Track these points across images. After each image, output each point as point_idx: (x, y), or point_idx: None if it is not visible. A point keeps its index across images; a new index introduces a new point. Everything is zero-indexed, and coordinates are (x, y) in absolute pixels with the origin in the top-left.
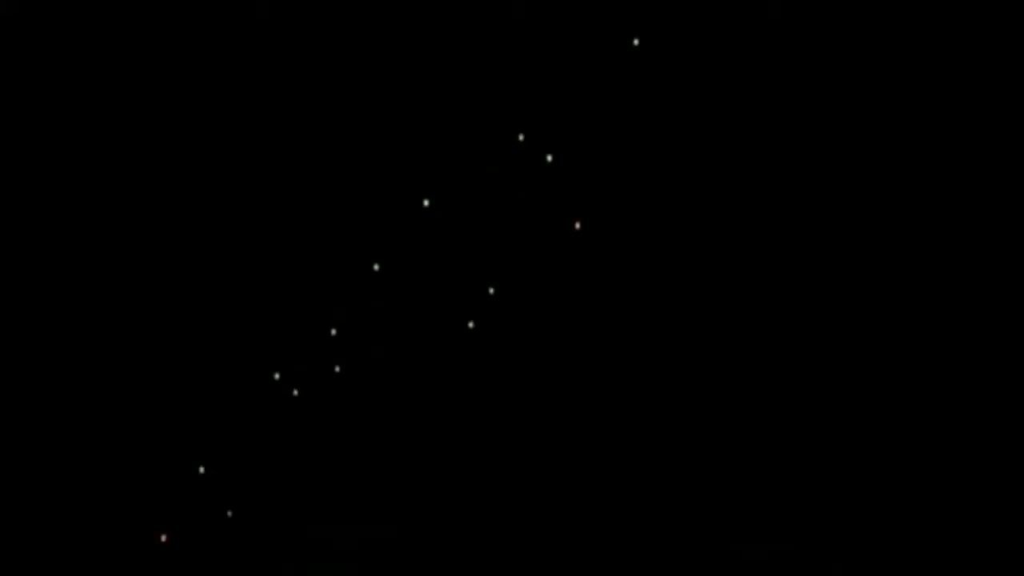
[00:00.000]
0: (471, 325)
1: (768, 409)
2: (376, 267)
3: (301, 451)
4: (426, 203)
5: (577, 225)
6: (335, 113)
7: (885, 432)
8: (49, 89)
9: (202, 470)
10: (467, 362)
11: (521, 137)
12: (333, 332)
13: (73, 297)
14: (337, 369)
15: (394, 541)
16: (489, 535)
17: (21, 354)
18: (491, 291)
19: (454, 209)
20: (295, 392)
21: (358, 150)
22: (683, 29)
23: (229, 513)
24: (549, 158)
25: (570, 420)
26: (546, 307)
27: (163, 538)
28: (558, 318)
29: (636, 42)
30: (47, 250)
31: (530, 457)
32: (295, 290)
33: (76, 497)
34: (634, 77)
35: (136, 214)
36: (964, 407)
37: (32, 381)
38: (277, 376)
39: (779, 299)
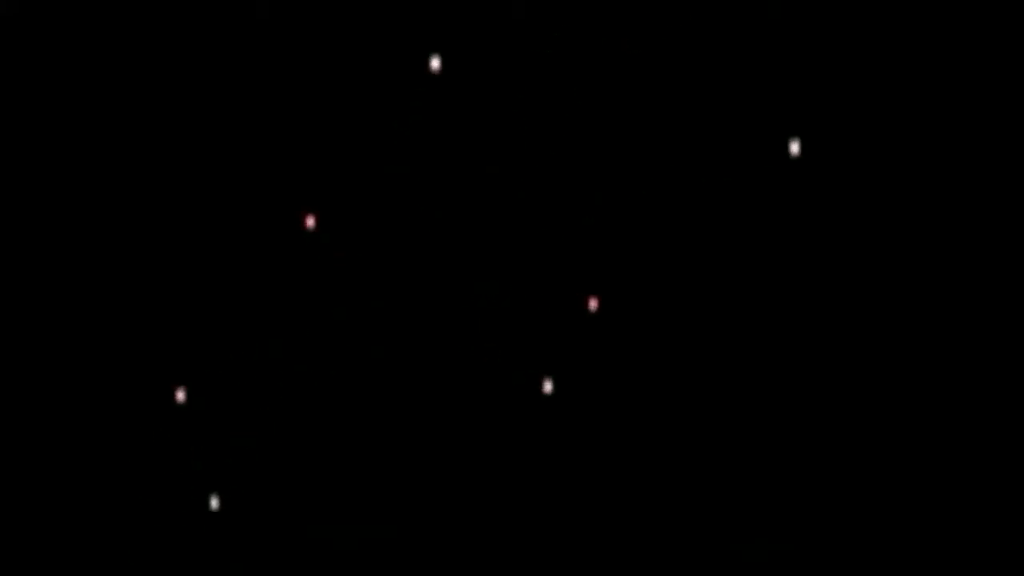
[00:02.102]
0: (471, 325)
1: (769, 409)
2: (381, 261)
3: (299, 451)
4: (425, 202)
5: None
6: (337, 112)
7: (885, 432)
8: (49, 89)
9: (196, 467)
10: (468, 363)
11: (520, 138)
12: (334, 327)
13: (71, 296)
14: (336, 366)
15: (393, 541)
16: (489, 536)
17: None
18: (488, 290)
19: (452, 210)
20: (296, 391)
21: (360, 151)
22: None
23: (215, 507)
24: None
25: (571, 419)
26: (540, 307)
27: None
28: (552, 317)
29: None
30: (45, 249)
31: (529, 457)
32: (297, 290)
33: (69, 493)
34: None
35: (137, 213)
36: (964, 407)
37: (26, 379)
38: (277, 375)
39: (777, 298)
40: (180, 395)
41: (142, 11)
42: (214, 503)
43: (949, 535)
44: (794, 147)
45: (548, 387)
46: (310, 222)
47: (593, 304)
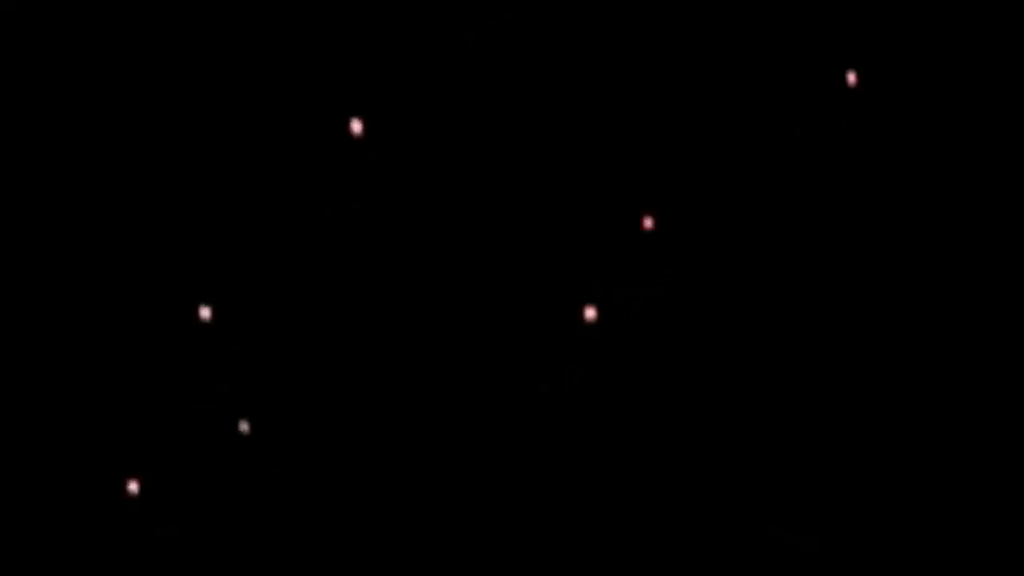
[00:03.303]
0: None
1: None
2: (426, 174)
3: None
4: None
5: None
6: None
7: (885, 432)
8: (49, 89)
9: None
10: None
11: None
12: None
13: (70, 296)
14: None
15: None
16: (488, 535)
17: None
18: (485, 288)
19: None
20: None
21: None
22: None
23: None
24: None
25: (572, 419)
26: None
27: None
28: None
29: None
30: (44, 248)
31: (528, 459)
32: (331, 205)
33: (92, 407)
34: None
35: (139, 213)
36: (964, 408)
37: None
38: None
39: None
40: (205, 313)
41: (141, 11)
42: (244, 427)
43: (949, 535)
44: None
45: (591, 314)
46: (356, 128)
47: (648, 223)
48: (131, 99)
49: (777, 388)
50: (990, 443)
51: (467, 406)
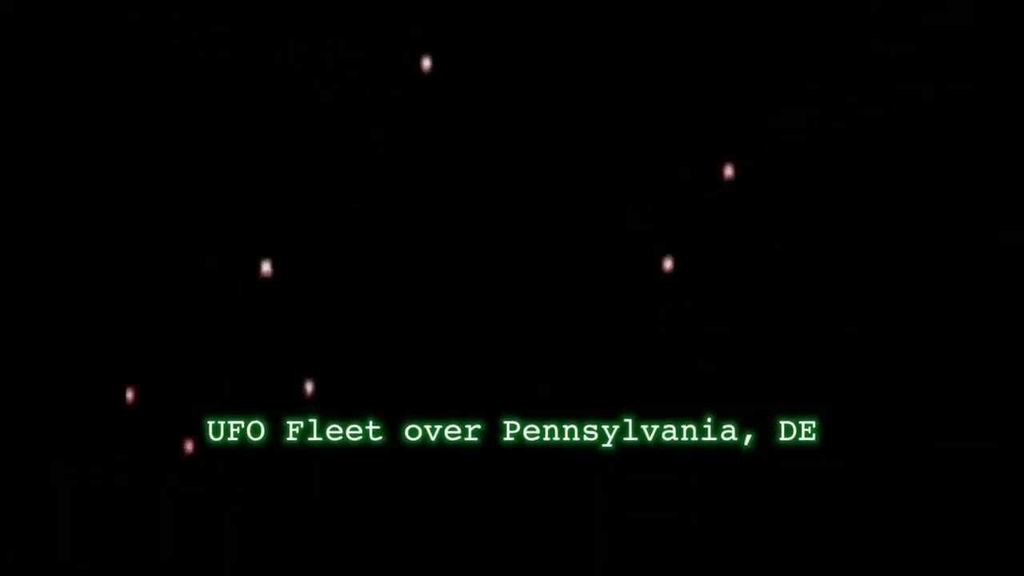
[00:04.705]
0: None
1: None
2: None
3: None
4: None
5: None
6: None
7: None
8: (49, 89)
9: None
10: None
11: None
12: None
13: (68, 295)
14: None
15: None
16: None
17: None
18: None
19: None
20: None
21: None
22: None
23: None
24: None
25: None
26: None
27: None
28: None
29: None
30: (42, 249)
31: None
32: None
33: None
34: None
35: (138, 215)
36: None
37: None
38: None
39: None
40: (266, 267)
41: (141, 11)
42: (308, 387)
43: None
44: None
45: (668, 265)
46: (426, 64)
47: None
48: (194, 54)
49: (848, 341)
50: (990, 443)
51: (544, 352)
